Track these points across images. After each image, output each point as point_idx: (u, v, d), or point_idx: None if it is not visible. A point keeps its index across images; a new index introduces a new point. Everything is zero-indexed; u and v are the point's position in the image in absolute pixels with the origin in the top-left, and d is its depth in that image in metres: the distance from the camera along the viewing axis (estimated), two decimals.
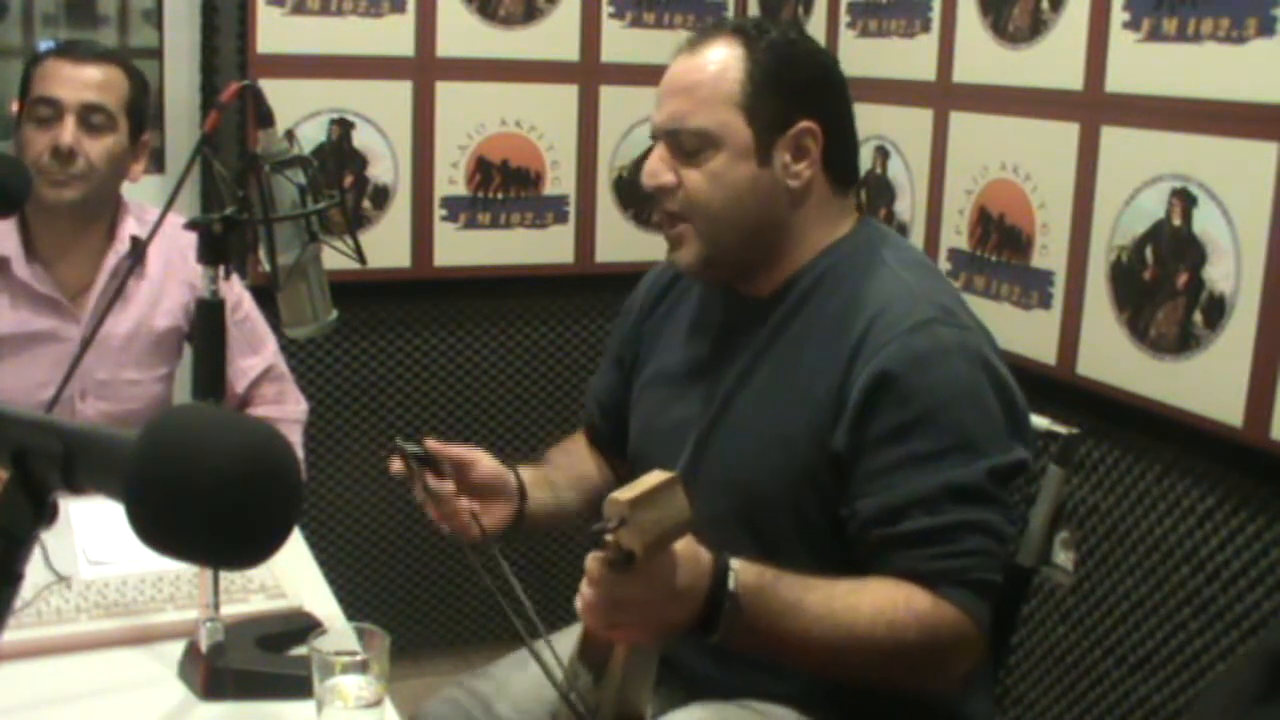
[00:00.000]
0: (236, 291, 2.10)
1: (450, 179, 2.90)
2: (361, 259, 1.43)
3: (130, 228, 2.05)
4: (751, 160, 1.46)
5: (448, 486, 1.51)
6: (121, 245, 2.04)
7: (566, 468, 1.73)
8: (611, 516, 1.15)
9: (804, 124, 1.47)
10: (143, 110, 2.04)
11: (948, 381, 1.38)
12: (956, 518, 1.36)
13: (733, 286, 1.57)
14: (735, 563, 1.28)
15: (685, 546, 1.23)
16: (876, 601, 1.33)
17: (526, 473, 1.62)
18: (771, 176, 1.47)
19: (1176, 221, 2.02)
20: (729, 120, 1.45)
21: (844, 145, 1.53)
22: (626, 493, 1.15)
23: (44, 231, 1.99)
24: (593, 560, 1.20)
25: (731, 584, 1.26)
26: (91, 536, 1.68)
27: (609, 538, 1.17)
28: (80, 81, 1.94)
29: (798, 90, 1.48)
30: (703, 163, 1.47)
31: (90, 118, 1.95)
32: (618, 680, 1.24)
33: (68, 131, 1.92)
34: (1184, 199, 2.01)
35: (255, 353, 2.14)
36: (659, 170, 1.50)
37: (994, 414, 1.40)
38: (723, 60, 1.47)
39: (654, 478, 1.18)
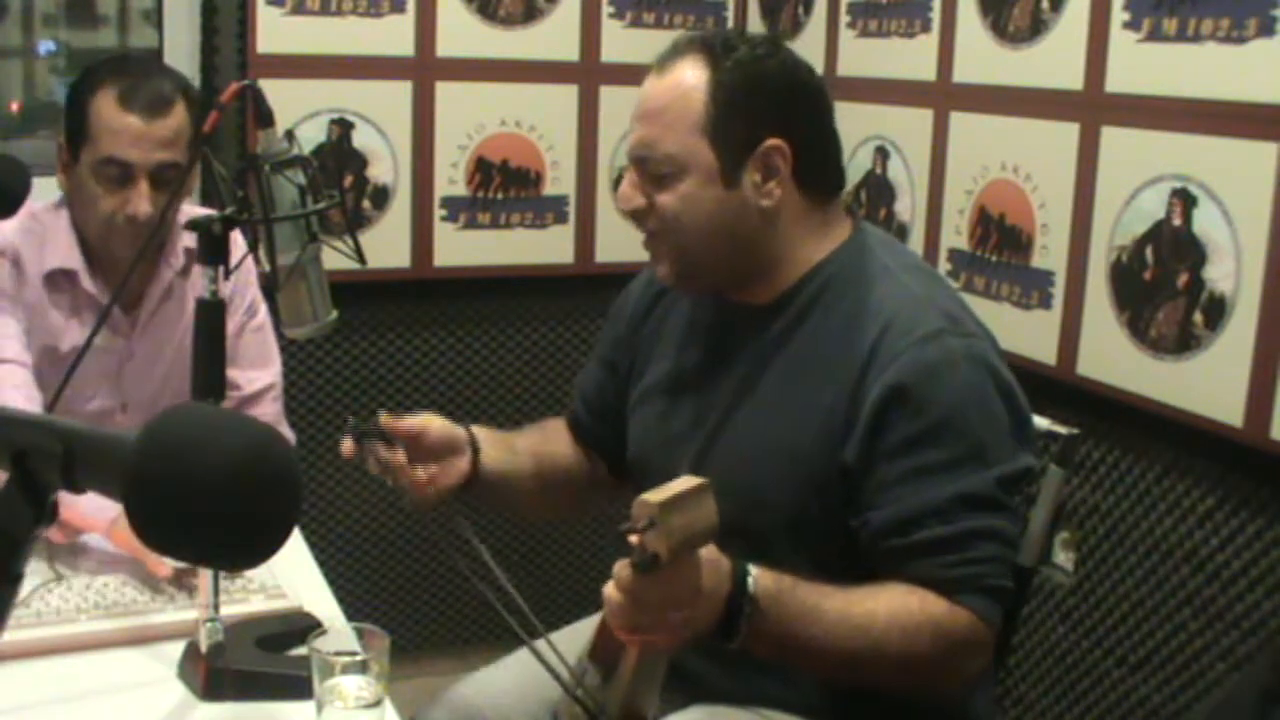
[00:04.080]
0: (252, 295, 2.07)
1: (450, 179, 2.90)
2: (361, 259, 1.43)
3: (185, 240, 1.96)
4: (718, 184, 1.46)
5: (398, 458, 1.52)
6: (176, 260, 1.98)
7: (535, 440, 1.74)
8: (640, 518, 1.15)
9: (771, 142, 1.45)
10: (199, 127, 1.89)
11: (958, 392, 1.39)
12: (969, 526, 1.37)
13: (724, 295, 1.57)
14: (754, 568, 1.28)
15: (707, 550, 1.24)
16: (892, 608, 1.34)
17: (481, 432, 1.64)
18: (741, 198, 1.46)
19: (1176, 221, 2.02)
20: (694, 146, 1.45)
21: (819, 158, 1.51)
22: (657, 495, 1.15)
23: (104, 250, 1.91)
24: (620, 565, 1.21)
25: (751, 588, 1.27)
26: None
27: (634, 539, 1.17)
28: (153, 141, 1.82)
29: (763, 109, 1.46)
30: (672, 186, 1.47)
31: (163, 174, 1.84)
32: (627, 681, 1.24)
33: (144, 200, 1.82)
34: (1184, 199, 2.01)
35: (264, 366, 2.08)
36: (631, 195, 1.50)
37: (1002, 421, 1.41)
38: (688, 84, 1.46)
39: (684, 482, 1.18)
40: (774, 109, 1.47)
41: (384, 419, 1.52)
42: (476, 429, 1.64)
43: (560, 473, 1.74)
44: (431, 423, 1.57)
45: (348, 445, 1.50)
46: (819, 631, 1.31)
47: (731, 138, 1.45)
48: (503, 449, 1.66)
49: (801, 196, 1.49)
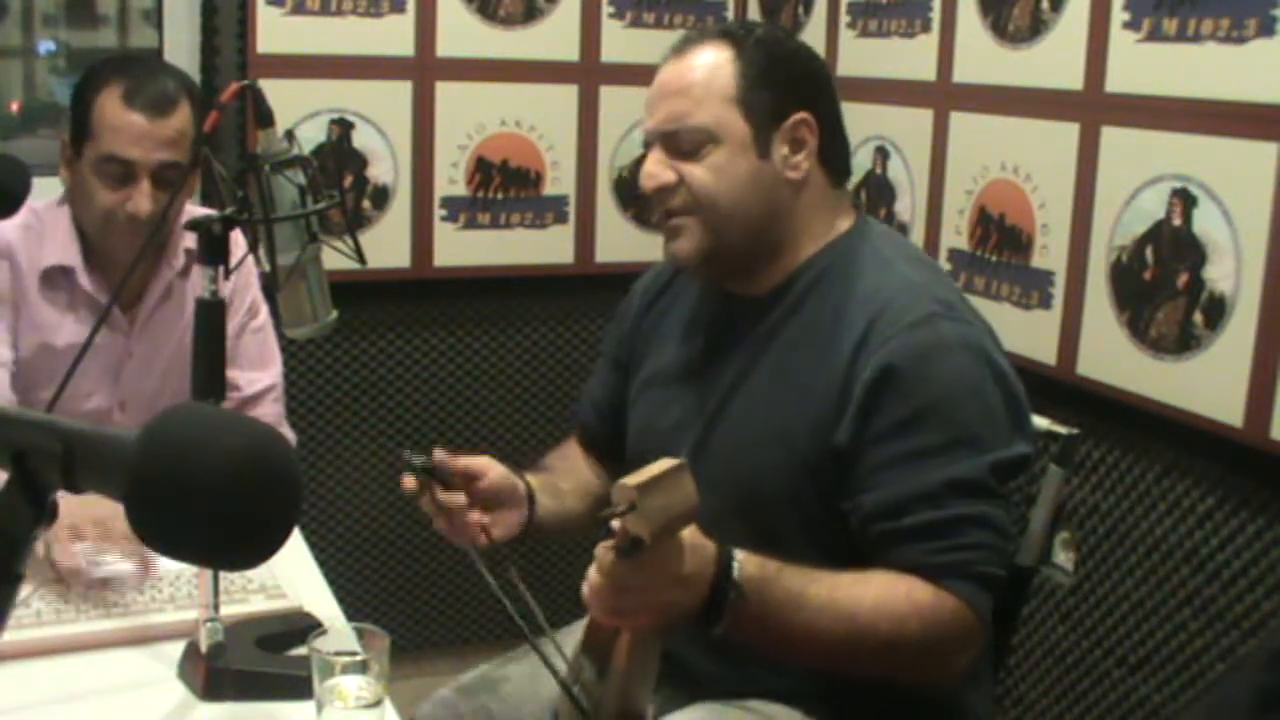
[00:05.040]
0: (253, 296, 2.07)
1: (450, 179, 2.90)
2: (361, 259, 1.43)
3: (186, 241, 1.97)
4: (751, 153, 1.48)
5: (458, 499, 1.49)
6: (177, 260, 1.98)
7: (570, 476, 1.73)
8: (620, 502, 1.16)
9: (799, 115, 1.48)
10: (202, 128, 1.93)
11: (951, 376, 1.39)
12: (959, 512, 1.36)
13: (727, 285, 1.57)
14: (739, 554, 1.28)
15: (691, 535, 1.24)
16: (879, 594, 1.34)
17: (534, 480, 1.62)
18: (772, 169, 1.49)
19: (1176, 221, 2.02)
20: (726, 115, 1.47)
21: (837, 138, 1.55)
22: (635, 478, 1.15)
23: (103, 247, 1.92)
24: (602, 547, 1.21)
25: (736, 573, 1.26)
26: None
27: (616, 523, 1.17)
28: (155, 141, 1.82)
29: (790, 83, 1.49)
30: (703, 158, 1.48)
31: (164, 174, 1.84)
32: (621, 674, 1.24)
33: (145, 199, 1.82)
34: (1184, 199, 2.01)
35: (264, 368, 2.08)
36: (658, 171, 1.50)
37: (996, 408, 1.41)
38: (714, 60, 1.48)
39: (662, 464, 1.19)
40: (799, 84, 1.51)
41: (438, 454, 1.48)
42: (530, 477, 1.61)
43: (595, 499, 1.72)
44: (490, 467, 1.53)
45: (409, 481, 1.47)
46: (803, 619, 1.31)
47: (762, 108, 1.47)
48: (555, 497, 1.64)
49: (824, 174, 1.52)
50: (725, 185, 1.47)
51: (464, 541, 1.50)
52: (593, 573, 1.22)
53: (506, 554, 1.47)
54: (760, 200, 1.49)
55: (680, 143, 1.49)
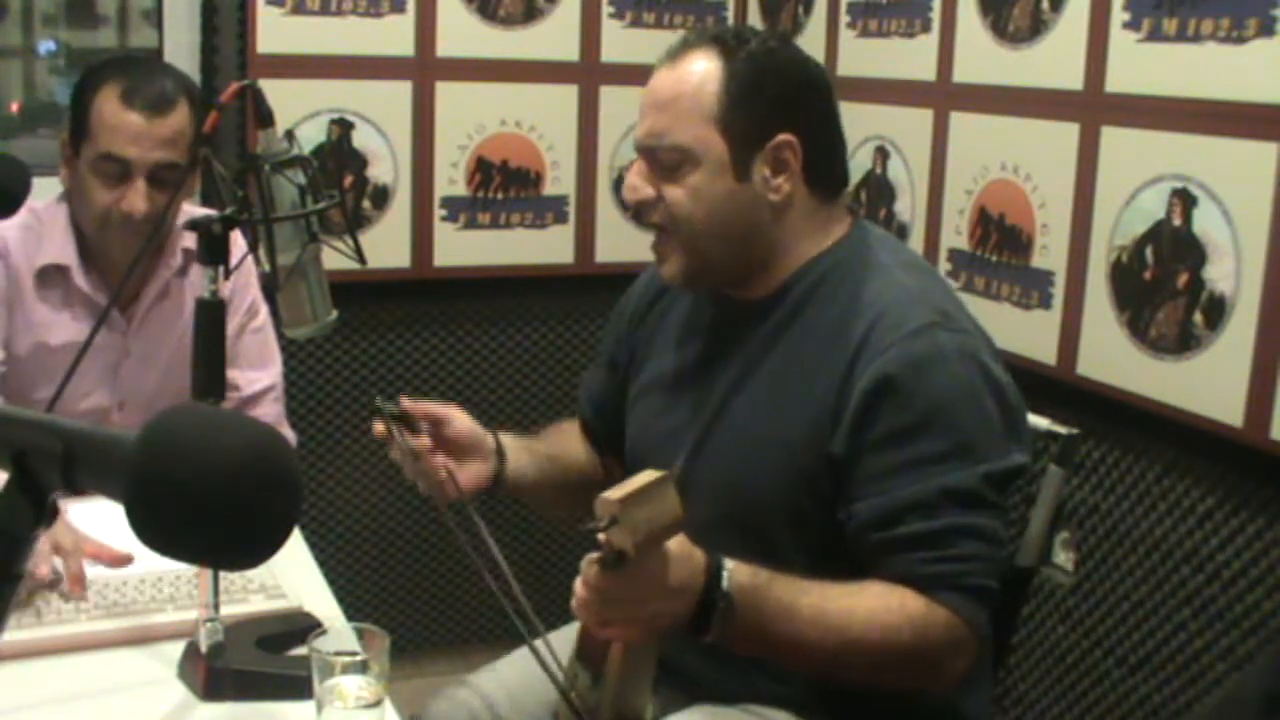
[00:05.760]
0: (253, 296, 2.07)
1: (450, 179, 2.90)
2: (361, 259, 1.43)
3: (184, 240, 1.97)
4: (729, 176, 1.46)
5: (423, 442, 1.52)
6: (174, 260, 1.98)
7: (553, 443, 1.75)
8: (602, 516, 1.16)
9: (782, 137, 1.45)
10: (201, 128, 1.91)
11: (947, 386, 1.39)
12: (952, 522, 1.36)
13: (723, 292, 1.57)
14: (729, 563, 1.28)
15: (678, 545, 1.24)
16: (870, 605, 1.34)
17: (507, 438, 1.64)
18: (751, 191, 1.46)
19: (1176, 221, 2.02)
20: (705, 136, 1.45)
21: (827, 156, 1.52)
22: (617, 491, 1.16)
23: (100, 246, 1.93)
24: (587, 560, 1.21)
25: (725, 583, 1.26)
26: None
27: (600, 537, 1.17)
28: (153, 140, 1.82)
29: (775, 103, 1.46)
30: (682, 178, 1.46)
31: (161, 174, 1.84)
32: (615, 680, 1.24)
33: (140, 198, 1.82)
34: (1184, 199, 2.01)
35: (264, 367, 2.08)
36: (638, 185, 1.50)
37: (991, 418, 1.41)
38: (700, 74, 1.46)
39: (644, 476, 1.19)
40: (786, 103, 1.47)
41: (405, 401, 1.52)
42: (503, 436, 1.63)
43: (577, 474, 1.75)
44: (457, 414, 1.57)
45: (379, 427, 1.50)
46: (794, 629, 1.31)
47: (743, 130, 1.45)
48: (527, 457, 1.66)
49: (809, 193, 1.49)
50: (701, 208, 1.46)
51: (430, 486, 1.51)
52: (579, 585, 1.22)
53: (472, 507, 1.48)
54: (737, 222, 1.47)
55: (660, 159, 1.47)
